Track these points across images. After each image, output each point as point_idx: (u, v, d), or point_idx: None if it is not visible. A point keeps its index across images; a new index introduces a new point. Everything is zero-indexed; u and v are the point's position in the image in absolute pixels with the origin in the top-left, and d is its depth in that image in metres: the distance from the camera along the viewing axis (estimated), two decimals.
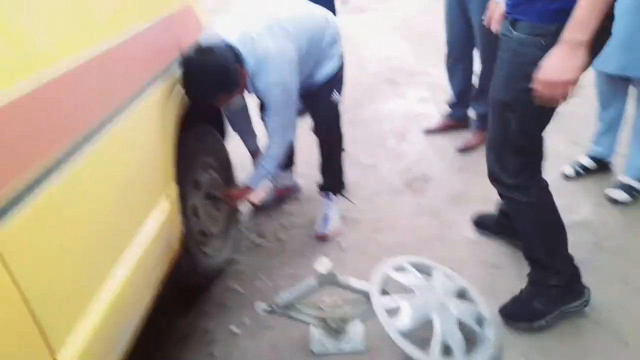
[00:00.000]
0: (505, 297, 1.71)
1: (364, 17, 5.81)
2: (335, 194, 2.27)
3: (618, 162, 2.33)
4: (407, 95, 3.54)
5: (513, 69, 1.38)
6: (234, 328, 1.77)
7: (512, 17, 1.36)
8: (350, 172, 2.64)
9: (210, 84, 1.63)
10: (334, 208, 2.24)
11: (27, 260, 0.86)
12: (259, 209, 2.44)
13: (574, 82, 1.19)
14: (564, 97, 1.23)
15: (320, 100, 2.09)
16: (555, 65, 1.18)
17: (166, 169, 1.53)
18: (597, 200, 2.15)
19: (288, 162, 2.47)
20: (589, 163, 2.29)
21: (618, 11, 1.87)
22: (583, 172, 2.29)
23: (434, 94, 3.45)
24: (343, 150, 2.24)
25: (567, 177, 2.31)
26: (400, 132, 3.02)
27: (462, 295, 1.72)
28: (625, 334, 1.54)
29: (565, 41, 1.16)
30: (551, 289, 1.59)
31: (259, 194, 2.46)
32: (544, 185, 1.58)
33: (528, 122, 1.43)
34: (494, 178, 1.60)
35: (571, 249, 1.86)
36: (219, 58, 1.63)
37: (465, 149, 2.71)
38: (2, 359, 0.79)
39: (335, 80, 2.07)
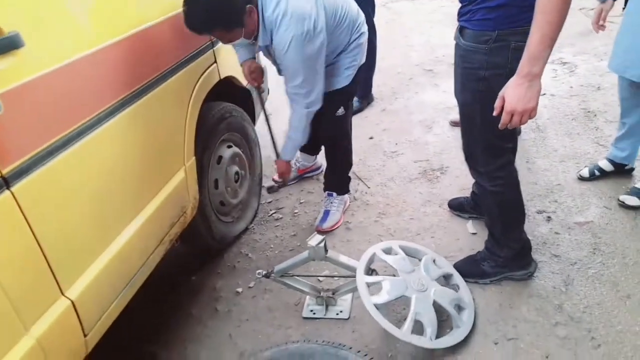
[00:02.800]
0: (489, 286, 1.81)
1: (419, 4, 5.76)
2: (338, 194, 2.31)
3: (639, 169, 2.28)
4: (442, 86, 3.56)
5: (465, 73, 1.51)
6: (239, 289, 1.98)
7: (460, 24, 1.48)
8: (372, 158, 2.78)
9: (207, 12, 1.55)
10: (336, 204, 2.29)
11: (46, 214, 1.09)
12: (281, 186, 2.64)
13: (536, 107, 1.28)
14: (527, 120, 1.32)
15: (325, 113, 2.03)
16: (517, 96, 1.26)
17: (186, 142, 1.74)
18: (607, 203, 2.13)
19: (313, 149, 2.62)
20: (606, 166, 2.25)
21: (638, 20, 1.87)
22: (599, 174, 2.26)
23: None
24: (351, 164, 2.31)
25: (582, 178, 2.29)
26: (428, 123, 3.08)
27: (447, 281, 1.83)
28: (597, 334, 1.58)
29: (523, 75, 1.24)
30: (500, 257, 1.79)
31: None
32: (512, 177, 1.68)
33: (489, 119, 1.48)
34: (468, 163, 1.74)
35: (568, 249, 1.91)
36: None
37: None
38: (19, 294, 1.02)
39: (343, 96, 2.06)
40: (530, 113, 1.29)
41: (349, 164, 2.32)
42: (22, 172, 1.01)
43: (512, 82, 1.27)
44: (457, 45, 1.53)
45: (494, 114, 1.35)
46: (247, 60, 2.06)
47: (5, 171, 0.98)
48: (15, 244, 1.02)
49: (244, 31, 1.68)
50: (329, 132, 2.18)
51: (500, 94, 1.31)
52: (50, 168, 1.09)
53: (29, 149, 1.03)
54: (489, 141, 1.57)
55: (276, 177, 2.62)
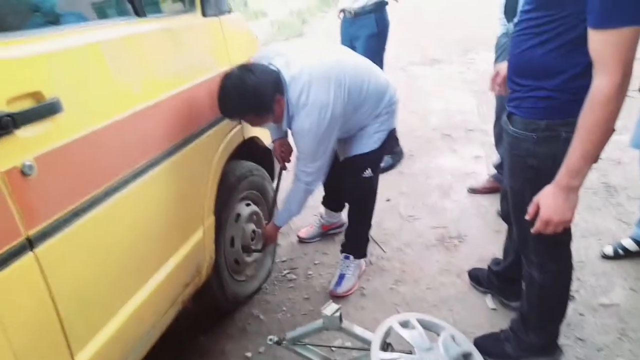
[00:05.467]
0: None
1: (437, 69, 5.92)
2: (355, 257, 2.29)
3: None
4: (461, 152, 3.58)
5: (514, 160, 1.46)
6: (248, 354, 1.91)
7: (508, 109, 1.45)
8: (388, 221, 2.75)
9: (240, 100, 1.67)
10: (352, 268, 2.26)
11: (65, 276, 1.08)
12: (303, 241, 2.64)
13: (572, 219, 1.24)
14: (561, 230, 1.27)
15: (351, 174, 2.11)
16: (554, 207, 1.22)
17: (206, 202, 1.74)
18: (633, 285, 2.05)
19: (337, 206, 2.62)
20: (630, 245, 2.19)
21: None
22: (623, 254, 2.20)
23: (488, 153, 3.46)
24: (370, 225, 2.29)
25: (605, 257, 2.23)
26: (445, 189, 3.07)
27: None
28: None
29: (561, 186, 1.20)
30: (524, 342, 1.70)
31: (308, 230, 2.67)
32: (565, 271, 1.60)
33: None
34: (521, 251, 1.64)
35: (594, 333, 1.83)
36: (257, 79, 1.66)
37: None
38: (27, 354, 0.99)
39: (372, 158, 2.08)
40: (566, 224, 1.25)
41: (369, 225, 2.30)
42: (46, 233, 1.02)
43: (549, 190, 1.23)
44: (505, 132, 1.48)
45: (527, 218, 1.30)
46: (279, 138, 2.25)
47: (31, 233, 0.98)
48: (33, 305, 1.01)
49: (273, 117, 1.80)
50: (356, 193, 2.19)
51: (535, 199, 1.27)
52: (74, 230, 1.09)
53: (55, 211, 1.04)
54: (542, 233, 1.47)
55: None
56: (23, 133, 0.95)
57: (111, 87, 1.23)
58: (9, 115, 0.91)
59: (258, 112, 1.75)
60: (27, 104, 0.96)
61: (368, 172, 2.08)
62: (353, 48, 2.88)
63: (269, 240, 2.19)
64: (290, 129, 1.86)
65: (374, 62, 2.96)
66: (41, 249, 1.00)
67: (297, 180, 1.94)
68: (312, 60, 1.78)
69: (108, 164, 1.20)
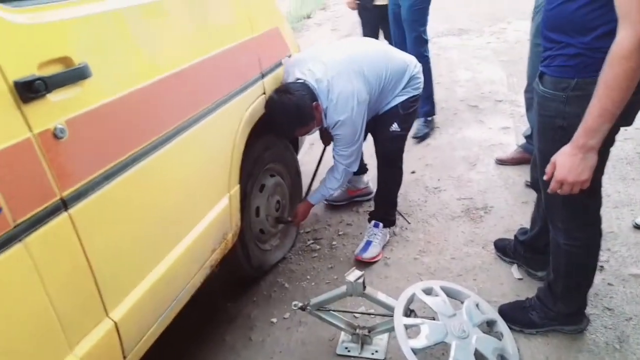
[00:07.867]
0: (535, 337, 1.71)
1: (465, 40, 5.75)
2: (384, 226, 2.32)
3: None
4: (488, 123, 3.49)
5: (543, 121, 1.44)
6: (273, 319, 1.97)
7: (540, 69, 1.41)
8: (413, 193, 2.74)
9: (288, 120, 1.94)
10: (379, 237, 2.28)
11: (98, 237, 1.13)
12: (329, 203, 2.68)
13: (589, 180, 1.24)
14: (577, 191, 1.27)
15: (379, 129, 2.21)
16: (569, 167, 1.22)
17: (232, 170, 1.77)
18: None
19: (361, 169, 2.63)
20: None
21: None
22: None
23: (516, 124, 3.37)
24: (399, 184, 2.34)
25: (638, 227, 2.17)
26: (472, 160, 3.02)
27: (490, 327, 1.75)
28: None
29: (578, 146, 1.20)
30: (551, 311, 1.69)
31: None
32: (591, 240, 1.57)
33: None
34: (548, 216, 1.62)
35: (623, 303, 1.80)
36: (295, 97, 1.89)
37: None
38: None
39: (397, 114, 2.15)
40: (582, 185, 1.24)
41: (398, 189, 2.35)
42: (80, 195, 1.06)
43: (566, 150, 1.23)
44: (535, 92, 1.47)
45: (544, 178, 1.30)
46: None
47: (65, 194, 1.02)
48: (68, 263, 1.06)
49: (315, 122, 2.02)
50: (385, 149, 2.23)
51: (552, 159, 1.27)
52: (106, 192, 1.13)
53: (88, 173, 1.08)
54: (569, 197, 1.40)
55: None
56: (54, 97, 0.98)
57: (137, 54, 1.25)
58: (41, 79, 0.94)
59: (305, 124, 2.00)
60: (57, 69, 0.99)
61: (395, 126, 2.16)
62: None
63: (300, 217, 2.27)
64: (328, 124, 2.05)
65: (418, 23, 2.96)
66: (75, 209, 1.04)
67: (337, 164, 2.13)
68: (329, 61, 1.99)
69: (136, 130, 1.23)
